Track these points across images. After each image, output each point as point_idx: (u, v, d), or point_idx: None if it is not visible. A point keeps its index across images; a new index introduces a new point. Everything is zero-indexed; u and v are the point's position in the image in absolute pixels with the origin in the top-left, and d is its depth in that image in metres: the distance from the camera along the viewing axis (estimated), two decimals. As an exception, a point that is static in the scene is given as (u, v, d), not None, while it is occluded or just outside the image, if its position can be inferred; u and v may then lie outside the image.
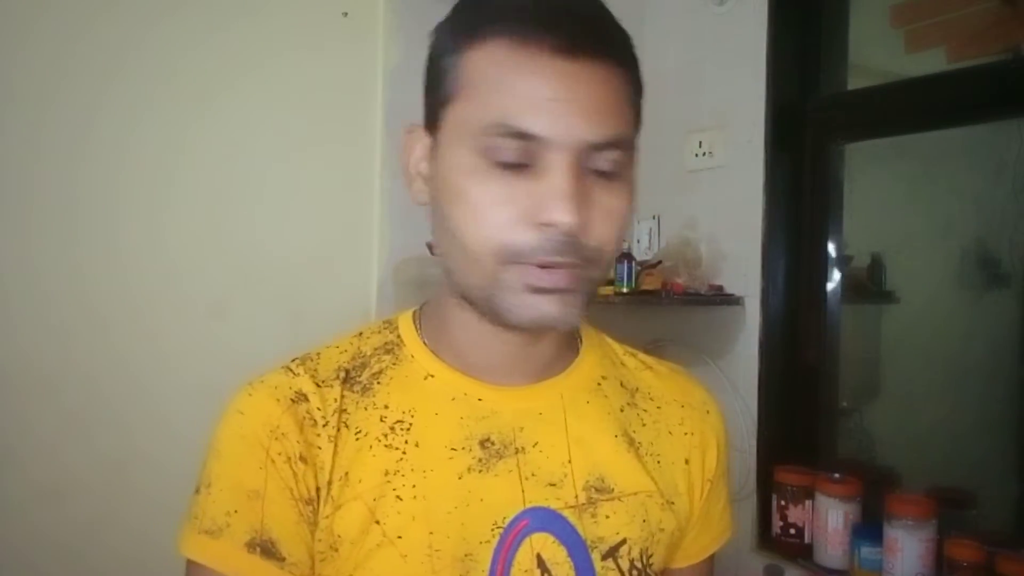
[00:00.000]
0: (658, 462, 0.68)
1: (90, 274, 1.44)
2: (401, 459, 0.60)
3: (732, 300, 1.58)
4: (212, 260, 1.54)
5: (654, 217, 1.76)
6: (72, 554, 1.39)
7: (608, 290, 1.55)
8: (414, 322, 0.69)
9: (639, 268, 1.60)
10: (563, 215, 0.54)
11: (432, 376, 0.64)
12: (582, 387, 0.68)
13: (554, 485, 0.63)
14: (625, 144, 0.57)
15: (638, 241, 1.79)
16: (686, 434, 0.71)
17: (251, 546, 0.57)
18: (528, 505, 0.61)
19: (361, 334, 0.68)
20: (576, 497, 0.63)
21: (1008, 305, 1.64)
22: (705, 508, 0.72)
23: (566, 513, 0.62)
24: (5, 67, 1.37)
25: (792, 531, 1.48)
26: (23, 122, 1.39)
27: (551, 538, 0.61)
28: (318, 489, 0.60)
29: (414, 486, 0.60)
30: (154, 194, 1.49)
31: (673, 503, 0.68)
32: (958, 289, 1.77)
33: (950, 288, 1.77)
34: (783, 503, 1.49)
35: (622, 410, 0.69)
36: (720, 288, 1.59)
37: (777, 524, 1.50)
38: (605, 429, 0.66)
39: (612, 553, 0.63)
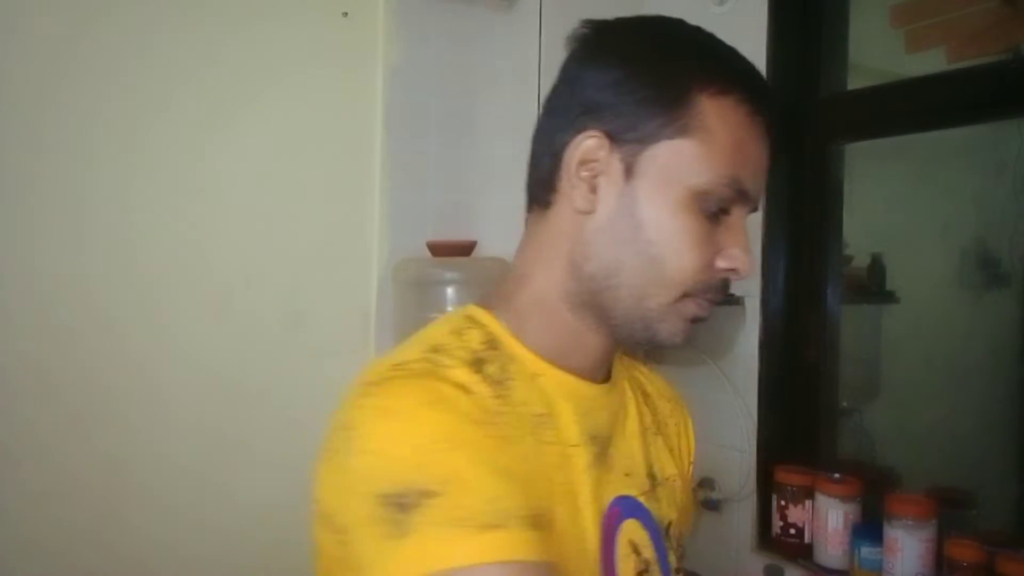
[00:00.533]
0: (671, 450, 0.76)
1: (90, 274, 1.44)
2: (552, 454, 0.61)
3: (732, 300, 1.58)
4: (212, 259, 1.54)
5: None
6: (72, 554, 1.39)
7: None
8: (499, 321, 0.66)
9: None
10: (747, 266, 0.62)
11: (540, 375, 0.64)
12: (625, 384, 0.74)
13: (629, 475, 0.68)
14: None
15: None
16: (675, 425, 0.80)
17: (530, 521, 0.52)
18: (617, 494, 0.66)
19: (454, 330, 0.65)
20: (643, 484, 0.69)
21: (1008, 305, 1.64)
22: (686, 494, 0.80)
23: (642, 499, 0.68)
24: (10, 64, 1.37)
25: (792, 531, 1.48)
26: (24, 120, 1.38)
27: (637, 523, 0.67)
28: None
29: (564, 483, 0.61)
30: (153, 194, 1.49)
31: (683, 487, 0.77)
32: (958, 289, 1.77)
33: (950, 288, 1.77)
34: (783, 503, 1.49)
35: (644, 404, 0.76)
36: (720, 288, 1.58)
37: (777, 524, 1.50)
38: (641, 421, 0.73)
39: (667, 533, 0.70)
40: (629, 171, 0.61)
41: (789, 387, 1.59)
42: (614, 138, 0.62)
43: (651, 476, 0.71)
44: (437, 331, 0.65)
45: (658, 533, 0.68)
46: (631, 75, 0.62)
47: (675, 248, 0.60)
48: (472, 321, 0.66)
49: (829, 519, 1.41)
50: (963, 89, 1.36)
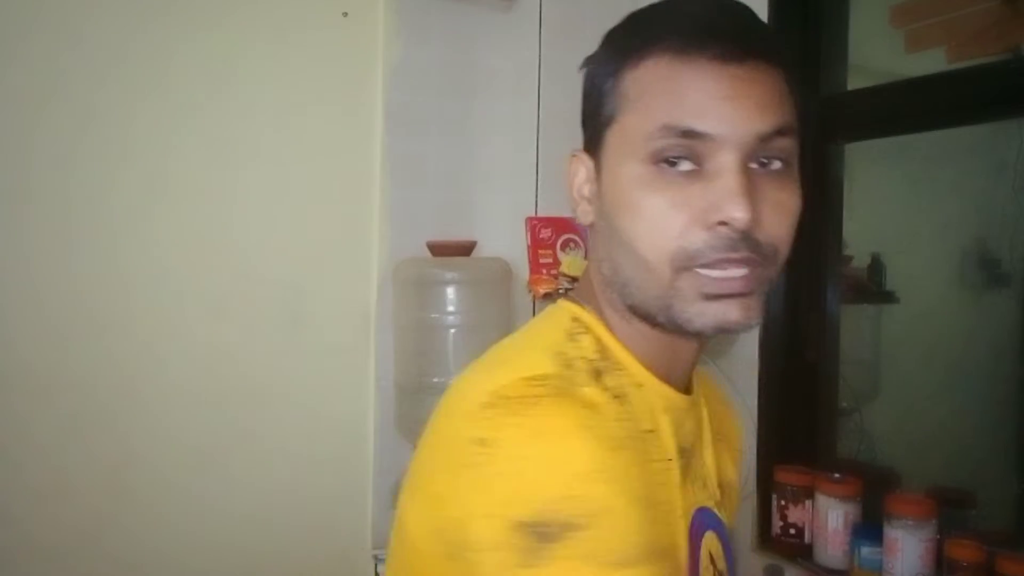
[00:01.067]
0: (731, 454, 0.77)
1: (89, 275, 1.44)
2: (658, 472, 0.60)
3: (732, 300, 1.58)
4: (211, 260, 1.54)
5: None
6: (67, 558, 1.39)
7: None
8: (605, 327, 0.64)
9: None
10: (737, 211, 0.54)
11: (642, 385, 0.62)
12: (699, 392, 0.72)
13: (706, 486, 0.68)
14: (791, 132, 0.58)
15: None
16: (730, 430, 0.80)
17: (660, 554, 0.53)
18: (697, 506, 0.66)
19: (568, 334, 0.63)
20: (716, 495, 0.70)
21: (1008, 305, 1.64)
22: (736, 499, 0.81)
23: (715, 510, 0.68)
24: (13, 68, 1.37)
25: (792, 531, 1.47)
26: (17, 125, 1.38)
27: (714, 535, 0.66)
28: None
29: (666, 500, 0.61)
30: (152, 195, 1.49)
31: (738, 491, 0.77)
32: (958, 289, 1.77)
33: (950, 288, 1.77)
34: (783, 503, 1.49)
35: (709, 409, 0.75)
36: (720, 288, 1.58)
37: (777, 524, 1.50)
38: (711, 428, 0.73)
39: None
40: (597, 172, 0.63)
41: (789, 387, 1.59)
42: (589, 150, 0.64)
43: (720, 485, 0.71)
44: (552, 334, 0.62)
45: (728, 543, 0.69)
46: (584, 86, 0.64)
47: (640, 227, 0.57)
48: (581, 324, 0.64)
49: (829, 519, 1.40)
50: (963, 89, 1.36)
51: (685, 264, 0.56)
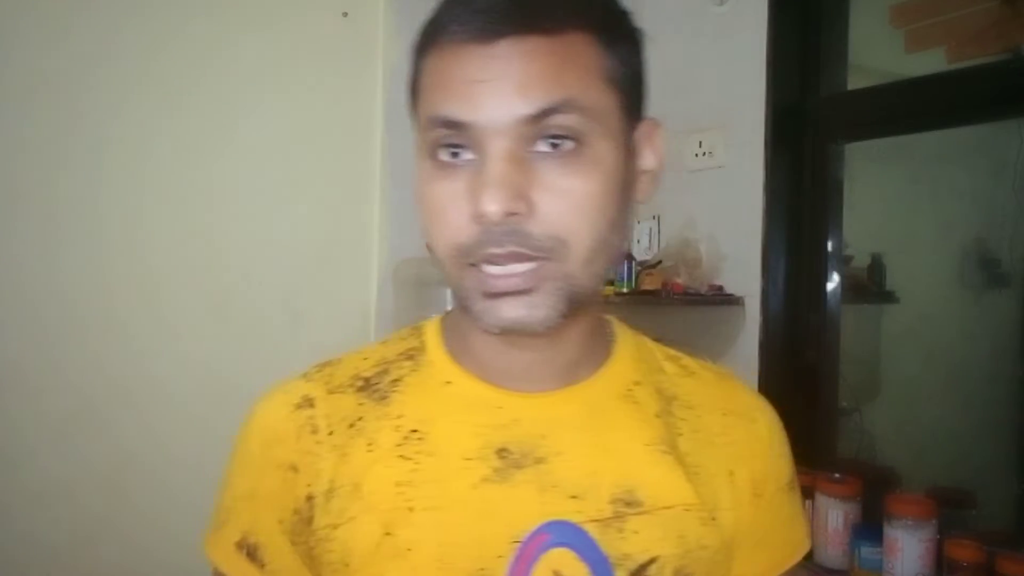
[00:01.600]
0: (697, 474, 0.63)
1: (90, 273, 1.44)
2: (414, 470, 0.59)
3: (732, 300, 1.58)
4: (211, 261, 1.54)
5: (654, 217, 1.76)
6: (62, 561, 1.39)
7: (608, 290, 1.55)
8: (441, 328, 0.67)
9: (639, 268, 1.60)
10: (488, 204, 0.51)
11: (450, 383, 0.62)
12: (612, 393, 0.64)
13: (576, 497, 0.59)
14: (576, 108, 0.52)
15: (638, 241, 1.79)
16: (729, 444, 0.66)
17: (239, 546, 0.61)
18: (548, 518, 0.58)
19: (387, 341, 0.67)
20: (600, 511, 0.59)
21: (1008, 305, 1.65)
22: (758, 525, 0.66)
23: (588, 528, 0.58)
24: (18, 69, 1.37)
25: (792, 531, 1.47)
26: (4, 127, 1.38)
27: (571, 554, 0.58)
28: (310, 498, 0.59)
29: (427, 497, 0.58)
30: (151, 195, 1.49)
31: (715, 518, 0.62)
32: (958, 289, 1.77)
33: (950, 288, 1.78)
34: (783, 503, 1.49)
35: (657, 417, 0.64)
36: (720, 288, 1.59)
37: (777, 524, 1.50)
38: (637, 438, 0.62)
39: (640, 572, 0.59)
40: None
41: (789, 387, 1.59)
42: None
43: (626, 502, 0.59)
44: (373, 342, 0.68)
45: (606, 568, 0.58)
46: None
47: (427, 221, 0.56)
48: (414, 330, 0.68)
49: (829, 519, 1.40)
50: (963, 89, 1.36)
51: (465, 261, 0.54)
